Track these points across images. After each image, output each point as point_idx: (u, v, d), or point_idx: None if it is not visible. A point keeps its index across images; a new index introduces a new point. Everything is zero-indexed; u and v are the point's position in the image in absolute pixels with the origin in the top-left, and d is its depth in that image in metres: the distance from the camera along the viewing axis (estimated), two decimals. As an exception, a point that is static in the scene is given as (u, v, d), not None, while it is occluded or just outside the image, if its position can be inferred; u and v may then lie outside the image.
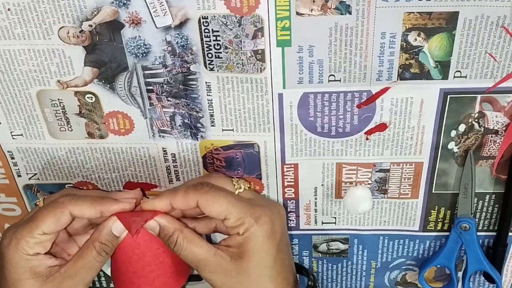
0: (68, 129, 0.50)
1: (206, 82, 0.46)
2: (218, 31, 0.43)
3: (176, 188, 0.46)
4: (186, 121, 0.49)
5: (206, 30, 0.43)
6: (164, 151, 0.51)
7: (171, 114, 0.48)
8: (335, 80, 0.45)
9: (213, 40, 0.43)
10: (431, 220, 0.54)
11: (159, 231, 0.45)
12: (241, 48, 0.44)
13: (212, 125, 0.48)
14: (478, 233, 0.53)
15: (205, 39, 0.43)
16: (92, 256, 0.45)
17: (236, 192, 0.47)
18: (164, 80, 0.46)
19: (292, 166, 0.51)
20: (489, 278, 0.55)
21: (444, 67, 0.44)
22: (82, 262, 0.45)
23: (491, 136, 0.48)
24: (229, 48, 0.44)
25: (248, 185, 0.49)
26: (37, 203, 0.48)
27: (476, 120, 0.47)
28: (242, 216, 0.44)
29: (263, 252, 0.45)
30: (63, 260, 0.46)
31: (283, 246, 0.47)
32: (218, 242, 0.47)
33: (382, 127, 0.48)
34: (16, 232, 0.44)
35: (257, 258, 0.45)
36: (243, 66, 0.45)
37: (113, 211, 0.45)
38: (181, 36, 0.44)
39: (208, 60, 0.45)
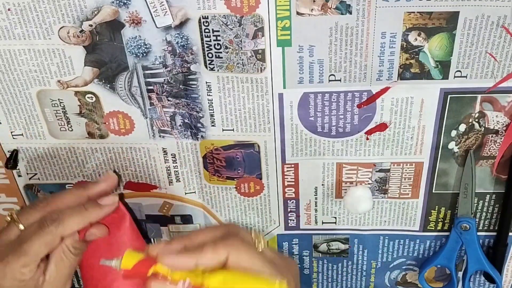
0: (68, 129, 0.50)
1: (206, 82, 0.46)
2: (218, 31, 0.43)
3: (195, 238, 0.42)
4: (186, 121, 0.49)
5: (207, 30, 0.43)
6: (164, 151, 0.51)
7: (171, 114, 0.48)
8: (335, 80, 0.45)
9: (214, 40, 0.43)
10: (431, 220, 0.54)
11: None
12: (241, 48, 0.44)
13: (213, 125, 0.48)
14: (478, 233, 0.53)
15: (205, 39, 0.43)
16: (70, 257, 0.47)
17: (260, 249, 0.44)
18: (164, 80, 0.46)
19: (293, 166, 0.51)
20: (489, 278, 0.55)
21: (444, 67, 0.44)
22: (63, 264, 0.46)
23: (492, 136, 0.48)
24: (229, 48, 0.44)
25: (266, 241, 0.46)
26: (11, 215, 0.47)
27: (477, 120, 0.47)
28: (273, 277, 0.41)
29: None
30: (42, 264, 0.46)
31: None
32: None
33: (382, 127, 0.48)
34: (6, 266, 0.44)
35: None
36: (243, 66, 0.45)
37: (100, 217, 0.48)
38: (181, 36, 0.44)
39: (209, 60, 0.45)
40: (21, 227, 0.45)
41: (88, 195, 0.49)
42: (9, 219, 0.46)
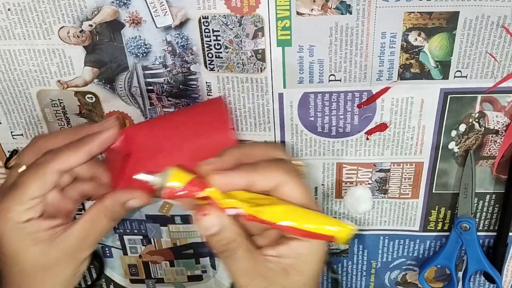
0: (68, 129, 0.50)
1: (206, 82, 0.46)
2: (218, 31, 0.43)
3: (249, 151, 0.39)
4: (186, 121, 0.49)
5: (207, 30, 0.43)
6: (164, 151, 0.51)
7: (172, 114, 0.48)
8: (335, 80, 0.45)
9: (214, 40, 0.43)
10: (431, 220, 0.54)
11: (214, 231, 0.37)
12: (241, 48, 0.44)
13: (213, 125, 0.48)
14: (478, 233, 0.53)
15: (205, 39, 0.43)
16: (103, 223, 0.43)
17: None
18: (164, 80, 0.46)
19: (293, 166, 0.51)
20: (489, 278, 0.55)
21: (444, 67, 0.44)
22: (93, 227, 0.43)
23: (492, 136, 0.48)
24: (230, 48, 0.44)
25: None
26: (10, 165, 0.44)
27: (477, 120, 0.47)
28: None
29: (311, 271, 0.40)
30: (62, 219, 0.43)
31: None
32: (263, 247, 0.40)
33: (382, 127, 0.48)
34: (0, 203, 0.41)
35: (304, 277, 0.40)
36: (243, 66, 0.45)
37: (99, 144, 0.42)
38: (181, 36, 0.44)
39: (209, 60, 0.45)
40: (20, 170, 0.43)
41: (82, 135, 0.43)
42: (12, 164, 0.44)
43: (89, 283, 0.59)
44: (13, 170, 0.43)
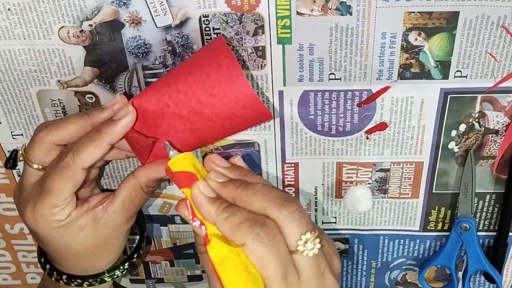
0: (68, 129, 0.50)
1: (206, 82, 0.46)
2: (218, 29, 0.43)
3: (246, 196, 0.38)
4: (186, 120, 0.48)
5: (207, 28, 0.43)
6: (164, 151, 0.51)
7: (172, 114, 0.48)
8: (335, 79, 0.45)
9: (214, 38, 0.43)
10: (431, 220, 0.54)
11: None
12: (241, 44, 0.44)
13: (213, 125, 0.48)
14: (479, 233, 0.53)
15: (205, 37, 0.43)
16: (141, 197, 0.44)
17: (305, 254, 0.37)
18: (164, 79, 0.46)
19: (293, 165, 0.51)
20: (489, 278, 0.55)
21: (444, 66, 0.44)
22: (132, 202, 0.44)
23: (492, 136, 0.48)
24: (230, 45, 0.44)
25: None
26: (22, 155, 0.44)
27: (477, 120, 0.47)
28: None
29: None
30: (96, 198, 0.45)
31: None
32: None
33: (382, 126, 0.48)
34: (35, 210, 0.42)
35: None
36: (243, 62, 0.44)
37: (120, 134, 0.41)
38: (181, 36, 0.44)
39: (209, 59, 0.45)
40: (35, 166, 0.43)
41: (93, 125, 0.42)
42: (22, 159, 0.44)
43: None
44: (26, 166, 0.44)
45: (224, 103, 0.40)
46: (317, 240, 0.37)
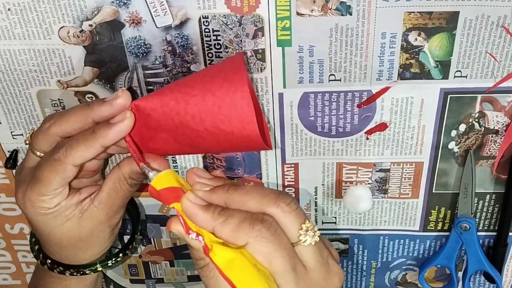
0: (68, 129, 0.50)
1: (206, 82, 0.46)
2: (218, 31, 0.43)
3: (239, 197, 0.38)
4: (186, 121, 0.48)
5: (207, 30, 0.43)
6: (164, 151, 0.51)
7: (171, 114, 0.48)
8: (335, 80, 0.45)
9: (214, 40, 0.43)
10: (431, 220, 0.54)
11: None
12: (241, 47, 0.44)
13: (213, 125, 0.48)
14: (478, 233, 0.53)
15: (205, 39, 0.43)
16: (125, 189, 0.44)
17: (306, 243, 0.38)
18: (164, 80, 0.46)
19: (293, 165, 0.51)
20: (489, 278, 0.55)
21: (444, 66, 0.44)
22: (117, 194, 0.44)
23: (492, 136, 0.48)
24: (230, 47, 0.44)
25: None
26: (28, 140, 0.46)
27: (477, 120, 0.47)
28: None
29: None
30: (87, 190, 0.45)
31: None
32: None
33: (382, 126, 0.48)
34: (25, 194, 0.43)
35: None
36: (243, 65, 0.45)
37: (113, 139, 0.41)
38: (181, 36, 0.44)
39: (209, 59, 0.45)
40: (37, 153, 0.44)
41: (93, 118, 0.41)
42: (27, 142, 0.46)
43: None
44: (29, 151, 0.45)
45: (229, 139, 0.40)
46: (316, 228, 0.38)
